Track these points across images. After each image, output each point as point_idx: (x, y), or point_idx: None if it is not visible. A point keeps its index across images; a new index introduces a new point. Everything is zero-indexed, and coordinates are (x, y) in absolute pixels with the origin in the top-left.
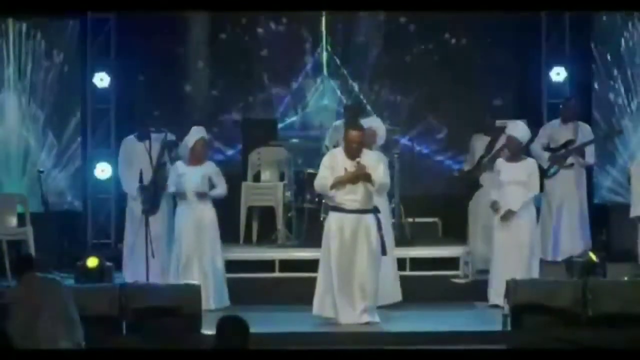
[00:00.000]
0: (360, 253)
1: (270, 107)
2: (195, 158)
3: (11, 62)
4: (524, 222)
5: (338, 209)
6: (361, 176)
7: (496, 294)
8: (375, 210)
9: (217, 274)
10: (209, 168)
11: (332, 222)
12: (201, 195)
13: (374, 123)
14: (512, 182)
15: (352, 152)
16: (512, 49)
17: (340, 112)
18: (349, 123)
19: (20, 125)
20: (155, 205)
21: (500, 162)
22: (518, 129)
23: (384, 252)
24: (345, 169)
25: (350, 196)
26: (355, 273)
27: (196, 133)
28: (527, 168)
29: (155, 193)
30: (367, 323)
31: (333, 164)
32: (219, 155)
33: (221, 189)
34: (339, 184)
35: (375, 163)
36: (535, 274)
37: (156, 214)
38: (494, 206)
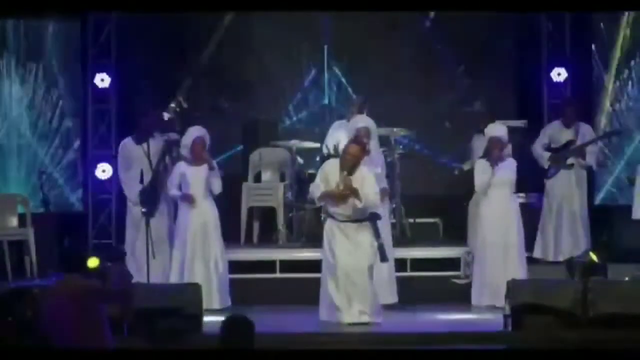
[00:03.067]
0: (355, 259)
1: (271, 107)
2: (196, 157)
3: (12, 62)
4: (511, 222)
5: (333, 217)
6: (346, 190)
7: (483, 294)
8: (372, 217)
9: (221, 274)
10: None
11: (328, 227)
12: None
13: (362, 122)
14: (499, 183)
15: (347, 165)
16: (513, 49)
17: (340, 112)
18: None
19: (21, 126)
20: (155, 207)
21: (485, 164)
22: (497, 128)
23: (384, 259)
24: (338, 183)
25: (340, 210)
26: (351, 278)
27: (193, 132)
28: (511, 167)
29: (154, 195)
30: (367, 323)
31: (328, 174)
32: (220, 156)
33: (217, 188)
34: (326, 197)
35: (365, 180)
36: (524, 273)
37: (155, 215)
38: None
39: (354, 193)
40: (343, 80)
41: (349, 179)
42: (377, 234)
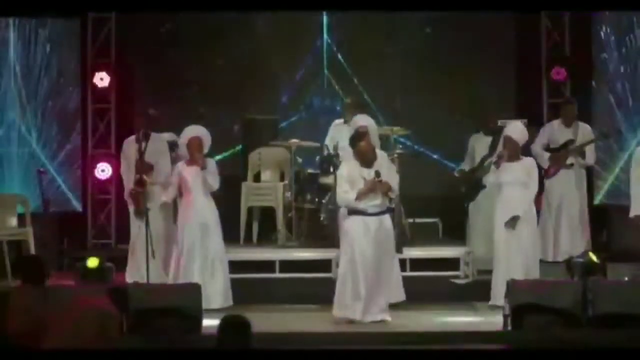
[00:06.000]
0: (386, 252)
1: (271, 106)
2: (192, 157)
3: (12, 62)
4: (526, 223)
5: (361, 212)
6: (383, 189)
7: (499, 295)
8: (390, 210)
9: (221, 273)
10: (209, 166)
11: (356, 224)
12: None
13: (363, 121)
14: (511, 182)
15: (367, 161)
16: (512, 48)
17: (340, 111)
18: (348, 120)
19: (20, 125)
20: (143, 208)
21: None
22: (516, 130)
23: (399, 250)
24: (364, 178)
25: (373, 202)
26: (383, 272)
27: (189, 132)
28: (526, 167)
29: (143, 196)
30: (385, 321)
31: (351, 175)
32: (219, 156)
33: (214, 184)
34: (362, 195)
35: (388, 167)
36: (536, 274)
37: (150, 215)
38: (514, 221)
39: (389, 190)
40: (343, 80)
41: (386, 183)
42: (394, 227)
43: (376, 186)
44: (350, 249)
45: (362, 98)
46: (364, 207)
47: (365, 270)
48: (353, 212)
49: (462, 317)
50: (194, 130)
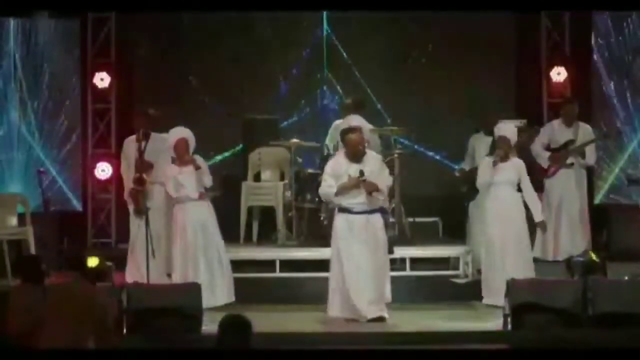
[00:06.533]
0: (372, 251)
1: (271, 106)
2: (179, 159)
3: (12, 62)
4: (516, 218)
5: (346, 210)
6: (368, 189)
7: (494, 293)
8: (382, 210)
9: (225, 269)
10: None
11: (341, 222)
12: (201, 195)
13: (354, 121)
14: (502, 182)
15: (355, 155)
16: (512, 48)
17: (339, 112)
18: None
19: (20, 125)
20: (142, 207)
21: (489, 162)
22: (509, 129)
23: (391, 251)
24: (349, 175)
25: (357, 199)
26: (369, 271)
27: (174, 134)
28: (516, 167)
29: (141, 195)
30: (384, 318)
31: (336, 170)
32: (220, 155)
33: (208, 182)
34: (343, 190)
35: (379, 168)
36: (531, 272)
37: (148, 214)
38: (543, 225)
39: (376, 190)
40: (343, 80)
41: (370, 183)
42: (386, 226)
43: (359, 185)
44: (336, 247)
45: (362, 98)
46: (348, 205)
47: (351, 268)
48: (340, 210)
49: (462, 317)
50: (179, 132)
